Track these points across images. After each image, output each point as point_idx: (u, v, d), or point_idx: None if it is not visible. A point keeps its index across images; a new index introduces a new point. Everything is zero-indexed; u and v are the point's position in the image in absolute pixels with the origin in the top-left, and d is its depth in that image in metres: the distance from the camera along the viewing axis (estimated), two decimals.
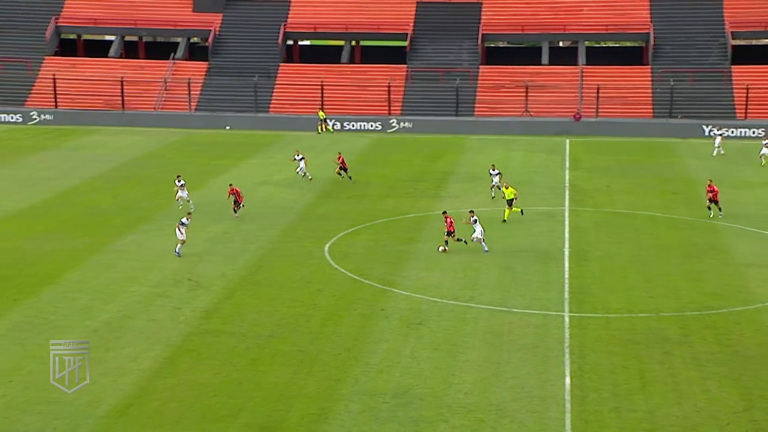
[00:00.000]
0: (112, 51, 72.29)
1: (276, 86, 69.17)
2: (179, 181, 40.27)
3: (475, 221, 34.08)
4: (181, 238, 33.01)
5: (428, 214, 40.13)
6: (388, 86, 67.44)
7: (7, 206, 40.41)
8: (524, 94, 66.91)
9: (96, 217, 39.00)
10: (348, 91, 68.34)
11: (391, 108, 67.26)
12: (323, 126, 63.32)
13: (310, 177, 46.34)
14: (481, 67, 70.10)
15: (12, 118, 65.26)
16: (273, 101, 68.26)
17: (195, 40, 75.67)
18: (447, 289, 30.03)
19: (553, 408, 21.64)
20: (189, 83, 67.74)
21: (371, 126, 64.88)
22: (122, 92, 67.30)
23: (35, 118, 65.19)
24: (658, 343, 25.44)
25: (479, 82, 68.91)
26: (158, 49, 76.54)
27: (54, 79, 67.38)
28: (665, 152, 56.84)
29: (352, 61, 72.81)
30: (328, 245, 35.16)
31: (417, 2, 74.26)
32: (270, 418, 21.06)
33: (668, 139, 61.26)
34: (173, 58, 71.15)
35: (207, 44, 72.67)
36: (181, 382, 22.74)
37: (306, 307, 28.31)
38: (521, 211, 38.85)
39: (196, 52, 73.85)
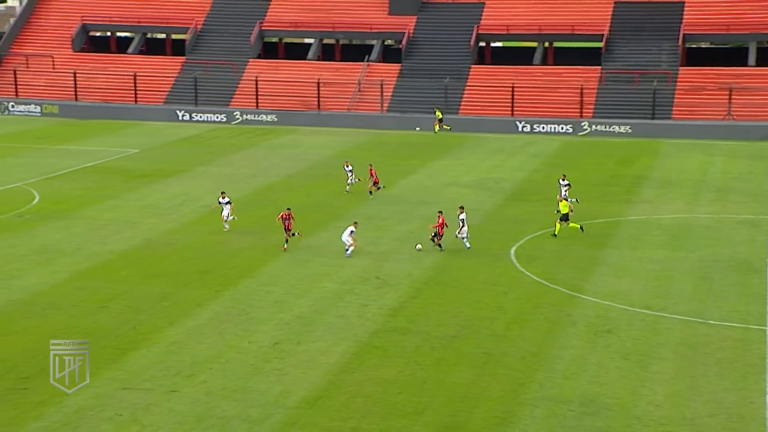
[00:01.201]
0: (310, 54, 74.80)
1: (467, 88, 69.25)
2: (223, 198, 36.95)
3: (463, 220, 33.63)
4: (349, 242, 33.43)
5: (619, 220, 38.92)
6: (581, 88, 65.99)
7: (211, 201, 42.63)
8: (727, 96, 63.59)
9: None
10: (539, 92, 67.43)
11: (583, 110, 65.74)
12: (439, 125, 63.62)
13: (349, 188, 43.58)
14: (680, 68, 67.24)
15: (217, 117, 68.88)
16: (463, 103, 68.38)
17: (389, 42, 77.03)
18: (637, 297, 28.99)
19: (752, 427, 20.43)
20: (381, 85, 69.04)
21: (562, 128, 63.72)
22: (318, 93, 69.50)
23: (238, 118, 68.48)
24: None
25: (678, 84, 66.11)
26: (354, 51, 78.50)
27: (256, 80, 70.48)
28: None
29: (544, 62, 71.79)
30: (514, 248, 34.81)
31: (615, 2, 72.22)
32: (454, 418, 21.07)
33: None
34: (367, 60, 72.75)
35: (401, 46, 73.78)
36: (368, 378, 23.17)
37: (491, 309, 28.15)
38: (581, 227, 35.89)
39: (389, 54, 75.15)
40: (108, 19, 78.75)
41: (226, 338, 25.70)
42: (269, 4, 77.67)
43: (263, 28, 76.06)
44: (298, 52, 77.64)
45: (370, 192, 43.09)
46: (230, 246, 34.94)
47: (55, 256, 33.35)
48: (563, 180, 41.28)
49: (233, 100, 71.34)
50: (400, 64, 72.05)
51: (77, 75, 72.81)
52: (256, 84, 70.27)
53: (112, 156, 54.30)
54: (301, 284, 30.57)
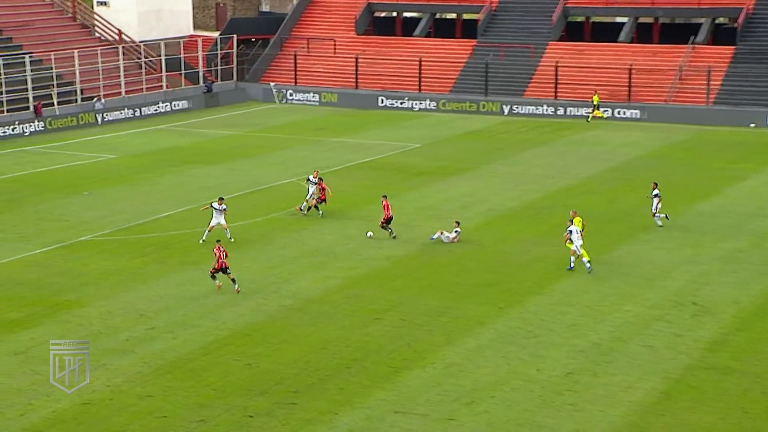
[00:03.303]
0: (622, 35, 73.47)
1: None
2: (220, 205, 36.52)
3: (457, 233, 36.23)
4: (576, 248, 32.75)
5: None
6: None
7: (497, 205, 43.12)
8: None
9: (589, 222, 39.87)
10: None
11: None
12: (596, 113, 63.47)
13: (304, 208, 40.81)
14: None
15: (506, 109, 69.41)
16: None
17: (721, 20, 73.85)
18: None
19: None
20: (709, 72, 66.39)
21: None
22: (629, 81, 68.11)
23: (531, 111, 68.58)
24: None
25: None
26: (675, 32, 76.02)
27: (556, 66, 70.33)
28: None
29: None
30: None
31: None
32: None
33: None
34: (692, 43, 70.26)
35: (736, 25, 70.52)
36: (680, 423, 22.41)
37: None
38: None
39: (720, 35, 72.04)
40: None
41: (511, 363, 25.88)
42: None
43: (567, 5, 75.72)
44: (607, 33, 76.46)
45: (316, 207, 40.70)
46: (517, 257, 35.14)
47: (328, 260, 35.25)
48: (654, 189, 38.70)
49: (528, 88, 71.65)
50: (733, 47, 68.88)
51: (359, 60, 76.37)
52: (556, 70, 70.12)
53: (391, 151, 56.50)
54: (601, 306, 30.14)
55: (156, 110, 70.70)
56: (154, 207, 42.95)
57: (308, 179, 41.79)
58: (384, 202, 37.68)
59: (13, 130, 61.69)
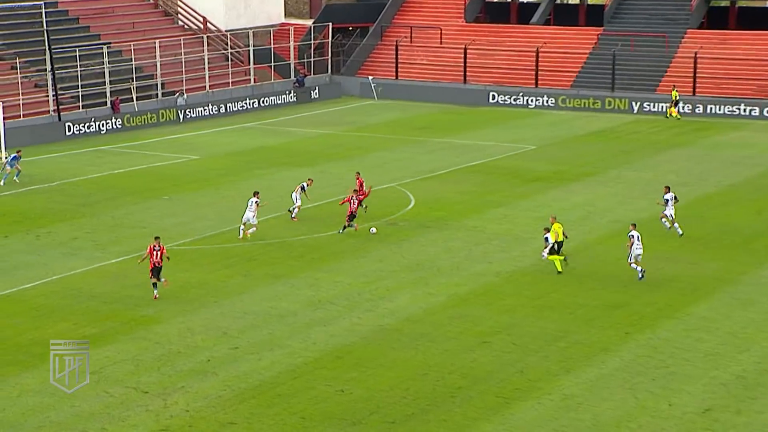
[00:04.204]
0: None
1: None
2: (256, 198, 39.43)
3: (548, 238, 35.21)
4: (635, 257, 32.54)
5: None
6: None
7: (623, 215, 42.53)
8: None
9: (731, 236, 39.23)
10: None
11: None
12: (671, 110, 64.20)
13: (293, 211, 42.39)
14: None
15: (636, 106, 68.50)
16: None
17: None
18: None
19: None
20: None
21: None
22: None
23: (665, 109, 67.56)
24: None
25: None
26: None
27: (695, 57, 69.18)
28: None
29: None
30: None
31: None
32: None
33: None
34: None
35: None
36: None
37: None
38: (565, 258, 35.30)
39: None
40: None
41: (639, 396, 25.55)
42: None
43: None
44: (756, 19, 75.02)
45: (360, 203, 41.43)
46: (648, 275, 34.63)
47: (430, 275, 35.27)
48: (667, 192, 38.60)
49: (662, 83, 70.63)
50: None
51: (468, 51, 76.31)
52: (695, 62, 68.99)
53: (503, 153, 56.32)
54: (745, 333, 29.62)
55: (243, 106, 71.86)
56: (239, 213, 43.43)
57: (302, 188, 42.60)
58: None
59: (88, 127, 63.37)
